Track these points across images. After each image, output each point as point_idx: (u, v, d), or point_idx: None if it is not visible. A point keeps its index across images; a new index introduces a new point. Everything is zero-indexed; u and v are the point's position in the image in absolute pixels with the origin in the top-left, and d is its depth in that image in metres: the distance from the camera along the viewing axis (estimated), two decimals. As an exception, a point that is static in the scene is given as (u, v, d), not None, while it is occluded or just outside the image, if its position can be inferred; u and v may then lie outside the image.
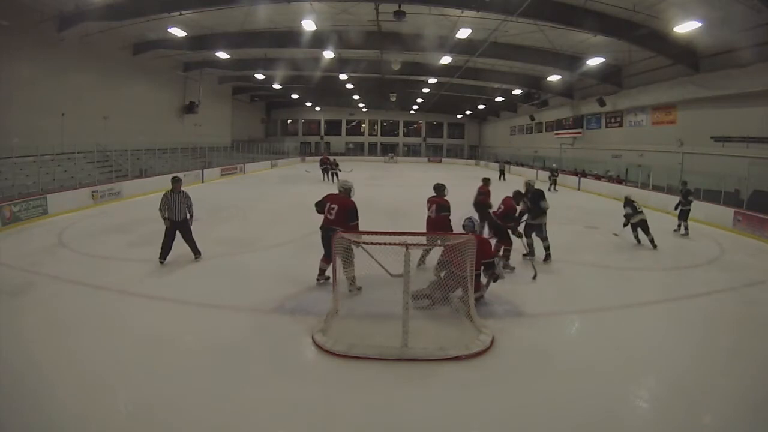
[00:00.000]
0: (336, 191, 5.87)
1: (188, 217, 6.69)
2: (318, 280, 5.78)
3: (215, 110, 28.55)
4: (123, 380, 3.52)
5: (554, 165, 21.15)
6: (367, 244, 4.44)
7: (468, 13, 13.70)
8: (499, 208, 6.96)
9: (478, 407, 3.31)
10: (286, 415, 3.20)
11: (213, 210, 11.49)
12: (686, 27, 11.38)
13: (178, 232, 6.64)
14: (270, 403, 3.31)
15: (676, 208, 10.27)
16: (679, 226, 10.19)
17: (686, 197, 10.07)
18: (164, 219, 6.55)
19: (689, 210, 10.11)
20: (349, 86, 29.05)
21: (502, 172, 24.47)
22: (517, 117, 33.80)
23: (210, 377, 3.59)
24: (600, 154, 21.78)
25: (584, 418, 3.19)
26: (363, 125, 45.05)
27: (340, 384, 3.59)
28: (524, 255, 7.13)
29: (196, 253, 6.87)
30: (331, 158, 21.43)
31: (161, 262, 6.54)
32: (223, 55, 19.34)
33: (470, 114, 40.49)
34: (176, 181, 6.70)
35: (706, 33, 12.22)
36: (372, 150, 43.87)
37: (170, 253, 7.59)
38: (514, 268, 6.54)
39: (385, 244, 4.22)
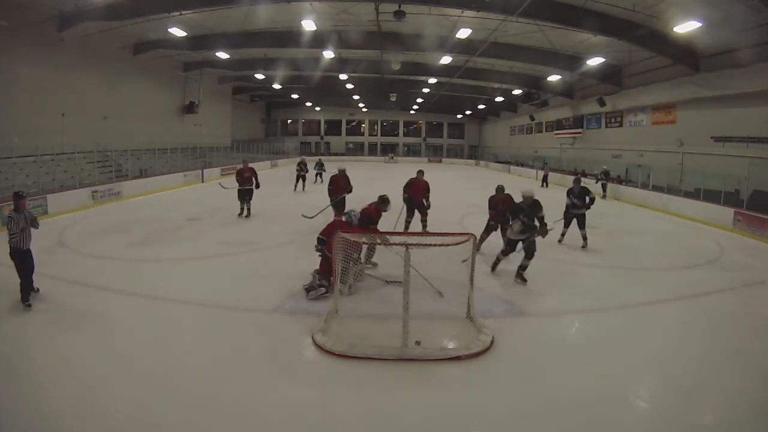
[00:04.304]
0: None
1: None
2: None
3: (215, 110, 28.53)
4: (122, 380, 3.51)
5: (605, 167, 17.60)
6: (367, 243, 4.45)
7: (468, 13, 13.70)
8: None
9: (478, 407, 3.30)
10: (286, 415, 3.20)
11: (213, 210, 11.50)
12: (686, 27, 11.37)
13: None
14: (270, 403, 3.31)
15: (566, 214, 8.17)
16: (563, 234, 8.29)
17: (582, 197, 7.98)
18: (20, 251, 4.93)
19: (584, 215, 8.03)
20: (349, 86, 29.05)
21: (545, 179, 21.62)
22: (517, 117, 33.79)
23: (210, 377, 3.59)
24: (600, 154, 21.76)
25: (584, 417, 3.19)
26: (363, 125, 45.03)
27: (340, 384, 3.59)
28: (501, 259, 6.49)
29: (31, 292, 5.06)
30: (309, 160, 18.42)
31: (29, 306, 4.88)
32: (223, 55, 19.32)
33: (470, 114, 40.48)
34: (21, 198, 5.05)
35: (706, 33, 12.20)
36: (372, 150, 43.84)
37: (171, 252, 7.60)
38: (525, 281, 6.04)
39: (385, 244, 4.23)
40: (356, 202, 8.78)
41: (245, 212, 10.61)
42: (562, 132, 26.13)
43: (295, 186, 16.82)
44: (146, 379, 3.52)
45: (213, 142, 25.88)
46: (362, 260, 5.99)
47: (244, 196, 10.59)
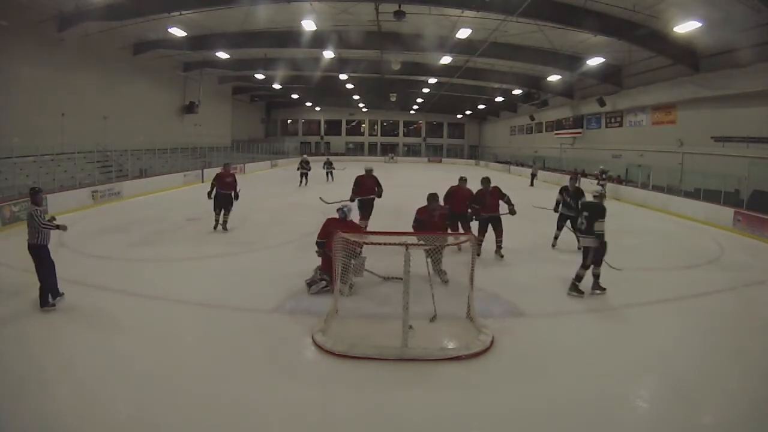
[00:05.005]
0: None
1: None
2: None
3: (215, 110, 28.54)
4: (122, 380, 3.51)
5: (602, 167, 17.38)
6: (367, 244, 4.45)
7: (468, 13, 13.70)
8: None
9: (478, 407, 3.30)
10: (286, 415, 3.20)
11: (213, 210, 11.48)
12: (686, 27, 11.37)
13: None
14: (270, 404, 3.31)
15: (559, 216, 7.80)
16: (556, 238, 7.90)
17: (576, 198, 7.47)
18: (36, 246, 4.94)
19: (578, 217, 7.46)
20: (349, 86, 29.05)
21: (533, 178, 21.83)
22: (517, 117, 33.80)
23: (210, 377, 3.59)
24: (600, 154, 21.77)
25: (584, 417, 3.19)
26: (363, 125, 45.05)
27: (340, 384, 3.59)
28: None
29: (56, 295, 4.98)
30: (314, 159, 19.71)
31: (53, 305, 4.84)
32: (223, 55, 19.34)
33: (470, 114, 40.49)
34: (37, 193, 5.13)
35: (706, 33, 12.20)
36: (372, 150, 43.84)
37: (171, 252, 7.57)
38: (605, 290, 5.67)
39: (385, 243, 4.23)
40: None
41: (221, 225, 9.01)
42: (562, 132, 26.13)
43: (300, 182, 18.03)
44: (146, 379, 3.51)
45: (213, 142, 25.88)
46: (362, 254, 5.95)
47: (226, 204, 8.97)
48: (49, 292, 4.85)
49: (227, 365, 3.79)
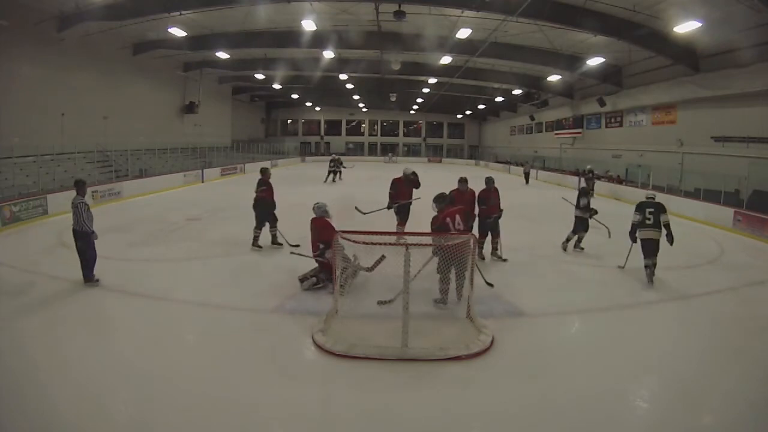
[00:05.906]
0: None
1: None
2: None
3: (215, 110, 28.52)
4: (122, 380, 3.51)
5: (589, 166, 17.96)
6: (367, 244, 4.44)
7: (468, 13, 13.68)
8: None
9: (478, 407, 3.31)
10: (286, 416, 3.20)
11: (213, 210, 11.50)
12: (686, 27, 11.36)
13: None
14: (270, 404, 3.31)
15: (581, 218, 7.72)
16: (569, 240, 7.86)
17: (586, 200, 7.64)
18: (81, 233, 5.64)
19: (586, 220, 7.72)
20: (349, 86, 29.03)
21: (527, 176, 22.55)
22: (517, 117, 33.79)
23: (210, 377, 3.59)
24: (600, 154, 21.77)
25: (584, 417, 3.19)
26: (363, 125, 45.00)
27: (340, 384, 3.59)
28: None
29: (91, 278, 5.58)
30: (338, 158, 21.79)
31: (97, 281, 5.57)
32: (223, 55, 19.35)
33: (470, 114, 40.45)
34: (83, 184, 5.91)
35: (706, 33, 12.21)
36: (372, 150, 43.81)
37: (171, 252, 7.58)
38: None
39: (384, 244, 4.23)
40: (356, 202, 8.79)
41: (277, 238, 7.83)
42: (562, 132, 26.13)
43: (331, 179, 20.11)
44: (146, 379, 3.51)
45: (213, 142, 25.87)
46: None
47: (271, 216, 7.79)
48: (92, 267, 5.52)
49: (227, 365, 3.79)
